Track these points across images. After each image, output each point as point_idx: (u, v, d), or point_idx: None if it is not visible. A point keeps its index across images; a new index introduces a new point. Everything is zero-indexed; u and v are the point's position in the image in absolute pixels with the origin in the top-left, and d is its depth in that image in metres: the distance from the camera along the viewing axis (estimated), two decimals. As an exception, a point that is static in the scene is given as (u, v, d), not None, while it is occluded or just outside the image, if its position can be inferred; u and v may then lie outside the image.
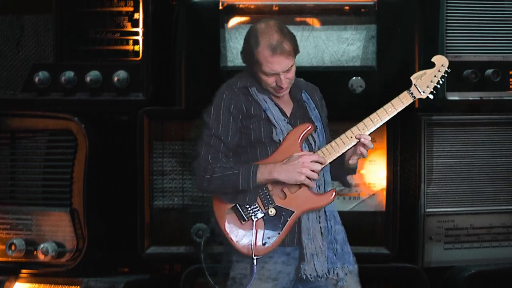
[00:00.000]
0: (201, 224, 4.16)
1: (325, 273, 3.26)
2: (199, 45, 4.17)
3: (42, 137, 4.27)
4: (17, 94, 4.30)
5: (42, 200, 4.27)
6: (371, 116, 3.28)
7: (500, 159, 4.36)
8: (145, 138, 4.24)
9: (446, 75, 3.38)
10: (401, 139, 4.22)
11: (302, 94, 3.39)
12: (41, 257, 4.19)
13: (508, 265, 4.33)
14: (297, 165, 3.15)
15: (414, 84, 3.34)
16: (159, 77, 4.31)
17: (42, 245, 4.18)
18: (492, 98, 4.29)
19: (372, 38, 4.21)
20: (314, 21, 4.25)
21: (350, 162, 3.31)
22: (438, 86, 3.37)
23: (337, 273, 3.28)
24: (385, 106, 3.30)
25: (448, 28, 4.23)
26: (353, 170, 3.43)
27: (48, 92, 4.27)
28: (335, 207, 3.37)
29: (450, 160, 4.32)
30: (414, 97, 3.33)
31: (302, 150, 3.23)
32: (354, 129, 3.26)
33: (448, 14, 4.23)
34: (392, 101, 3.31)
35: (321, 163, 3.20)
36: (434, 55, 3.41)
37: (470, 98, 4.28)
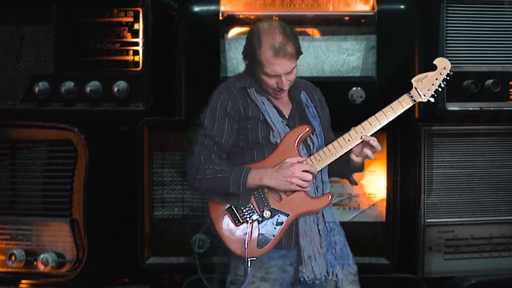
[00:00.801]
0: (201, 234, 4.15)
1: (324, 275, 3.25)
2: (199, 56, 4.16)
3: (42, 147, 4.27)
4: (17, 105, 4.29)
5: (42, 210, 4.27)
6: (369, 119, 3.25)
7: (500, 169, 4.35)
8: (145, 148, 4.23)
9: (448, 78, 3.32)
10: (401, 150, 4.21)
11: (301, 95, 3.37)
12: (41, 267, 4.19)
13: (508, 275, 4.31)
14: (287, 174, 3.14)
15: (415, 87, 3.29)
16: (159, 87, 4.31)
17: (42, 256, 4.18)
18: (492, 108, 4.28)
19: (372, 49, 4.20)
20: (314, 32, 4.24)
21: (356, 160, 3.27)
22: (440, 89, 3.31)
23: (336, 274, 3.27)
24: (384, 109, 3.26)
25: (448, 38, 4.22)
26: (359, 169, 3.39)
27: (48, 102, 4.26)
28: (333, 210, 3.36)
29: (450, 171, 4.31)
30: (414, 100, 3.28)
31: (299, 153, 3.21)
32: (352, 132, 3.24)
33: (448, 25, 4.22)
34: (392, 104, 3.27)
35: (311, 173, 3.18)
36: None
37: (470, 109, 4.27)
